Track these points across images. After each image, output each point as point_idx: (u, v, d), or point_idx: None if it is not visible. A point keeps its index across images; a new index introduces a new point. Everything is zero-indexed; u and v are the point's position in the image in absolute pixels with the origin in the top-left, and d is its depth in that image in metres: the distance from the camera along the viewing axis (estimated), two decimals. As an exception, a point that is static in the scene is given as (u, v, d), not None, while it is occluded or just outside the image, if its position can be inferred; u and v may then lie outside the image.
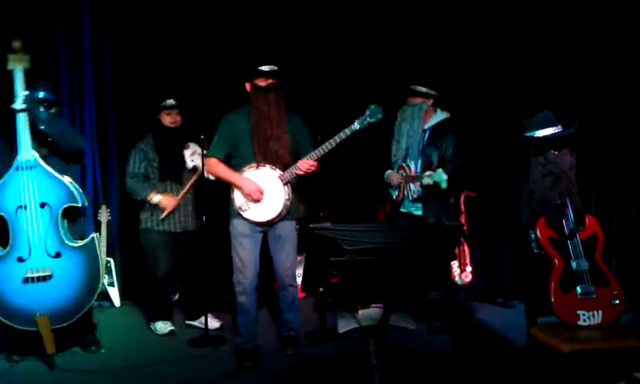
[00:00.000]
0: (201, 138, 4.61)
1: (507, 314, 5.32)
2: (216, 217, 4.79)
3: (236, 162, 4.23)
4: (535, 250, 3.80)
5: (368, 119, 4.08)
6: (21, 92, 4.13)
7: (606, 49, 5.30)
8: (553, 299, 3.59)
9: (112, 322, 5.16)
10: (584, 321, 3.57)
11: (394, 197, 4.89)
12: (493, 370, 4.06)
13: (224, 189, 4.33)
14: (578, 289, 3.60)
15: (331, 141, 4.07)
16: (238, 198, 4.19)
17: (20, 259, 4.12)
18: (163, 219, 4.89)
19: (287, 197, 4.17)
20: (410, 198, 4.75)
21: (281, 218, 4.19)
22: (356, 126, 4.08)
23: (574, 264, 3.65)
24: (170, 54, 5.93)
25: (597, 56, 5.34)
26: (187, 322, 5.13)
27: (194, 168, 4.94)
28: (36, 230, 4.14)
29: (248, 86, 4.22)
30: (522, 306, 4.38)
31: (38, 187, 4.15)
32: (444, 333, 4.76)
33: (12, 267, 4.11)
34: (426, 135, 4.77)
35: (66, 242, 4.22)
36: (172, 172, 4.94)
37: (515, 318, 4.87)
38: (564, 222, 3.71)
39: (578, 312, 3.57)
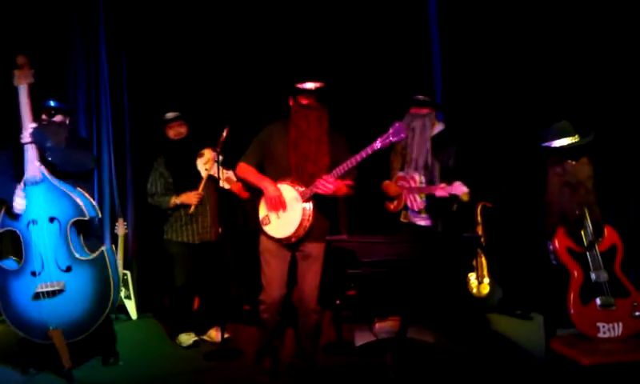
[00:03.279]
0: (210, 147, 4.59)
1: (526, 326, 5.27)
2: (233, 227, 4.77)
3: (268, 175, 4.09)
4: (553, 262, 3.76)
5: (391, 138, 3.82)
6: (28, 123, 4.08)
7: (624, 58, 5.26)
8: (572, 311, 3.55)
9: (129, 335, 5.17)
10: (604, 333, 3.52)
11: (392, 207, 4.87)
12: (511, 383, 4.02)
13: (241, 198, 4.28)
14: (598, 300, 3.56)
15: (352, 160, 3.87)
16: (261, 211, 4.09)
17: (34, 274, 4.14)
18: (190, 216, 4.88)
19: (306, 216, 3.98)
20: (416, 209, 4.74)
21: (299, 237, 4.01)
22: (378, 145, 3.83)
23: (593, 275, 3.61)
24: (183, 63, 5.97)
25: (614, 66, 5.30)
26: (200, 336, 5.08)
27: (210, 177, 4.92)
28: (47, 245, 4.16)
29: (291, 101, 4.07)
30: (540, 318, 4.33)
31: (45, 202, 4.16)
32: (462, 345, 4.73)
33: (26, 281, 4.14)
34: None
35: (77, 255, 4.22)
36: (186, 185, 4.93)
37: (534, 330, 4.82)
38: (582, 232, 3.68)
39: (598, 324, 3.53)
